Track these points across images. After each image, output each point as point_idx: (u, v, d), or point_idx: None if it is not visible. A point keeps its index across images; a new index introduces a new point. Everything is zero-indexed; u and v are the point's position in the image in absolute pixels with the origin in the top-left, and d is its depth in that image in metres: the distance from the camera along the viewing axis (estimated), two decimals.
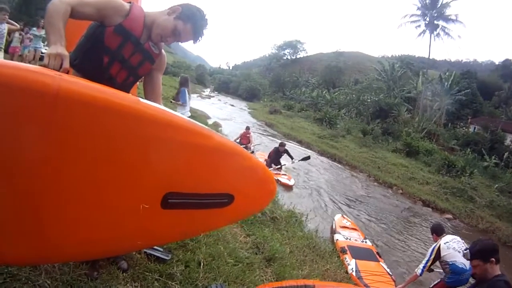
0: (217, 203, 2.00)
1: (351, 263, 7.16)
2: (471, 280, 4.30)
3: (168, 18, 2.17)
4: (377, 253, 8.28)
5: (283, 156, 13.81)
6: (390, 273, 7.31)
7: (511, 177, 21.80)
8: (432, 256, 5.63)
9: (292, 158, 13.63)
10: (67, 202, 1.62)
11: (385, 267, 7.57)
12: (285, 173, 13.49)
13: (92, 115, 1.47)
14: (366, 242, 8.77)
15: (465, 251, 3.17)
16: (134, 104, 1.58)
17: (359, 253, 7.71)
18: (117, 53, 2.10)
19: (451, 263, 5.43)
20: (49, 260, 2.08)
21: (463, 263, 5.32)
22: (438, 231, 5.99)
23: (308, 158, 13.99)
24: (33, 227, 1.57)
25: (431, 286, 5.91)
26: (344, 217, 9.96)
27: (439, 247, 5.60)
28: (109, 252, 2.16)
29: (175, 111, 2.94)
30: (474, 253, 2.99)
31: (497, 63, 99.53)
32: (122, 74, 2.18)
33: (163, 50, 2.35)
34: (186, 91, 8.55)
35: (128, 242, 1.94)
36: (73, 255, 1.89)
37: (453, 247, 5.51)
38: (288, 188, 12.47)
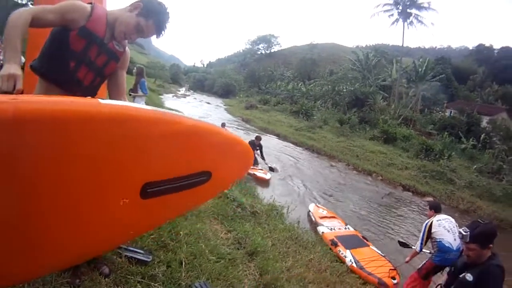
0: (195, 182, 2.02)
1: (347, 255, 7.19)
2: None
3: (130, 15, 2.16)
4: (363, 237, 8.42)
5: (257, 151, 13.55)
6: (383, 255, 7.47)
7: (489, 157, 22.05)
8: (426, 232, 5.68)
9: (264, 159, 13.69)
10: (52, 217, 1.62)
11: (376, 249, 7.75)
12: (261, 168, 13.32)
13: (56, 129, 1.43)
14: (348, 228, 8.76)
15: (464, 233, 2.84)
16: (95, 108, 1.53)
17: (349, 242, 7.74)
18: (83, 56, 2.08)
19: (438, 240, 5.46)
20: (45, 271, 2.10)
21: (450, 242, 5.36)
22: (436, 208, 6.01)
23: (276, 170, 14.05)
24: (23, 246, 1.59)
25: (420, 266, 5.84)
26: (318, 206, 9.88)
27: (431, 224, 5.66)
28: (105, 249, 2.34)
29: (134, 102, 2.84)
30: (473, 236, 2.82)
31: (471, 48, 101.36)
32: (89, 77, 2.16)
33: (127, 48, 2.34)
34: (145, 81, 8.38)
35: (119, 235, 2.04)
36: (67, 261, 1.95)
37: (444, 226, 5.55)
38: (264, 182, 12.36)
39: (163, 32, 2.26)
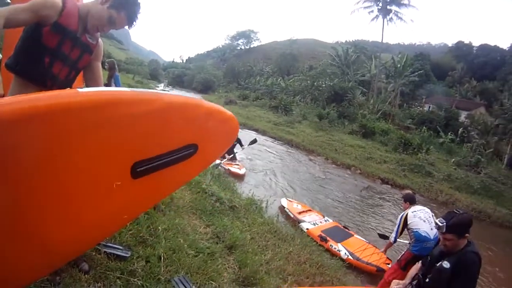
0: (183, 156, 2.01)
1: (340, 248, 7.37)
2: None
3: (102, 8, 2.13)
4: (344, 227, 8.67)
5: (236, 146, 13.08)
6: (368, 242, 7.80)
7: (467, 151, 22.40)
8: (401, 224, 5.77)
9: (242, 145, 12.99)
10: (50, 211, 1.64)
11: (361, 238, 8.09)
12: (237, 163, 13.16)
13: (42, 125, 1.43)
14: (328, 220, 8.79)
15: (441, 224, 2.88)
16: (75, 97, 1.54)
17: (336, 235, 7.87)
18: (57, 51, 2.08)
19: (415, 230, 5.52)
20: (54, 266, 2.10)
21: (426, 231, 5.42)
22: (410, 200, 6.05)
23: (255, 141, 13.53)
24: (17, 244, 1.61)
25: (399, 258, 5.86)
26: (291, 201, 9.63)
27: (406, 215, 5.73)
28: (105, 234, 2.35)
29: None
30: (449, 226, 2.85)
31: (450, 45, 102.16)
32: (64, 71, 2.17)
33: (100, 39, 2.34)
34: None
35: (114, 221, 2.03)
36: (69, 254, 1.96)
37: (419, 216, 5.62)
38: (239, 177, 12.28)
39: (134, 23, 2.26)
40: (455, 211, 2.96)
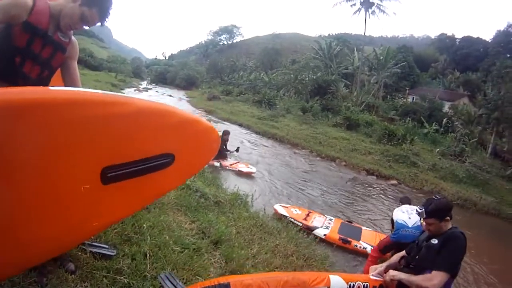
0: (158, 165, 1.99)
1: (364, 245, 7.43)
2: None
3: (74, 5, 2.14)
4: (348, 221, 8.68)
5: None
6: (379, 231, 8.08)
7: (451, 141, 22.60)
8: (391, 222, 6.30)
9: (228, 151, 13.13)
10: (10, 211, 1.59)
11: (369, 228, 8.31)
12: (239, 161, 12.88)
13: (7, 118, 1.43)
14: (332, 219, 8.63)
15: (420, 210, 3.08)
16: (45, 94, 1.55)
17: (350, 232, 7.81)
18: (28, 51, 2.08)
19: (395, 220, 5.99)
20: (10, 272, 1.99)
21: (404, 220, 5.88)
22: (403, 201, 6.73)
23: (237, 150, 13.58)
24: None
25: (379, 242, 6.43)
26: (286, 206, 8.97)
27: (393, 213, 6.28)
28: (73, 243, 2.23)
29: None
30: (429, 212, 3.01)
31: (433, 37, 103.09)
32: (35, 70, 2.16)
33: (73, 37, 2.34)
34: None
35: (84, 227, 1.94)
36: (33, 258, 1.88)
37: (401, 209, 6.15)
38: (250, 175, 12.10)
39: (107, 20, 2.25)
40: (434, 197, 3.13)
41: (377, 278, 3.20)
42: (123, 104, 1.79)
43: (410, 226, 5.78)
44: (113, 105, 1.74)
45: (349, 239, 7.51)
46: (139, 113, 1.85)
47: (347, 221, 8.55)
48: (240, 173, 11.84)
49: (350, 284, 2.98)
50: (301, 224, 8.05)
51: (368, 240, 7.52)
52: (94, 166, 1.74)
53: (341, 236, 7.61)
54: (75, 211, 1.80)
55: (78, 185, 1.71)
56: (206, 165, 11.03)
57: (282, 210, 8.60)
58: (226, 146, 12.92)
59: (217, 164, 11.78)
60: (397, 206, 6.54)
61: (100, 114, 1.68)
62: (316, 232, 7.77)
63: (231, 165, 12.15)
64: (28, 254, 1.77)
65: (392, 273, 3.03)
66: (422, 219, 3.18)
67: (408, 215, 5.94)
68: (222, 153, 12.41)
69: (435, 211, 2.98)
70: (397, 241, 5.85)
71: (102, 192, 1.80)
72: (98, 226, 2.12)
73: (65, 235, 1.87)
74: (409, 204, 6.51)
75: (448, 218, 2.98)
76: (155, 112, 1.96)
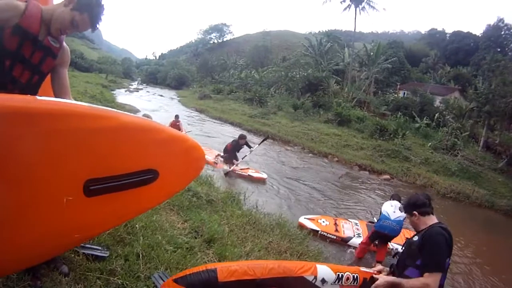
0: (141, 180, 1.99)
1: (392, 245, 7.48)
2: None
3: (65, 10, 2.12)
4: (370, 221, 8.48)
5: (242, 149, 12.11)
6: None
7: (442, 135, 22.52)
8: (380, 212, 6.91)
9: (250, 147, 12.01)
10: None
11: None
12: (249, 167, 12.24)
13: None
14: (357, 223, 8.45)
15: (401, 206, 3.44)
16: (31, 103, 1.55)
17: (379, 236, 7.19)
18: (17, 54, 2.05)
19: (381, 211, 6.75)
20: None
21: (388, 212, 6.62)
22: (393, 197, 7.26)
23: (267, 137, 13.11)
24: None
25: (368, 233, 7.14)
26: (311, 219, 8.45)
27: (383, 205, 6.96)
28: (51, 253, 2.21)
29: None
30: (405, 207, 3.08)
31: (423, 32, 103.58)
32: (25, 75, 2.13)
33: (64, 43, 2.31)
34: None
35: (65, 238, 1.96)
36: (12, 265, 1.92)
37: (391, 204, 6.81)
38: (262, 181, 11.53)
39: (97, 25, 2.23)
40: (416, 194, 3.15)
41: (367, 270, 3.15)
42: (108, 118, 1.79)
43: (391, 219, 6.52)
44: (98, 119, 1.74)
45: (379, 241, 7.11)
46: (124, 128, 1.86)
47: (369, 222, 8.36)
48: (250, 178, 11.34)
49: (338, 274, 2.93)
50: (335, 237, 7.83)
51: (395, 240, 7.18)
52: (77, 178, 1.75)
53: (376, 243, 7.29)
54: (57, 222, 1.82)
55: (60, 196, 1.71)
56: (216, 168, 10.88)
57: (310, 224, 8.06)
58: (247, 147, 11.93)
59: (226, 167, 11.30)
60: (389, 200, 7.09)
61: (85, 127, 1.69)
62: (351, 242, 7.64)
63: (241, 170, 11.57)
64: (5, 262, 1.79)
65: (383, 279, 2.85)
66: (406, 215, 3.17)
67: (393, 209, 6.60)
68: (232, 156, 11.80)
69: (406, 206, 3.04)
70: (378, 230, 6.64)
71: (84, 204, 1.81)
72: (79, 237, 2.15)
73: (46, 245, 1.89)
74: (399, 201, 6.95)
75: (415, 213, 2.92)
76: (140, 127, 1.97)
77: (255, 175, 11.55)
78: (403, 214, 6.09)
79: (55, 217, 1.79)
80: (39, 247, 1.86)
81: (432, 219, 2.91)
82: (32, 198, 1.67)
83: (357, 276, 3.02)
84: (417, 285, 2.65)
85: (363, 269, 3.17)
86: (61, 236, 1.92)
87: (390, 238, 6.75)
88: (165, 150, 2.09)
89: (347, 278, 2.95)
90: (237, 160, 11.62)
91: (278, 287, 2.64)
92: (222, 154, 12.12)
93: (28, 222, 1.71)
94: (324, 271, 2.88)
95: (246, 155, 11.82)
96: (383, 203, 7.17)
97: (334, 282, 2.88)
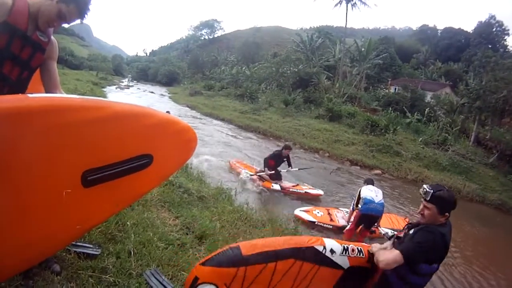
0: (137, 166, 2.03)
1: (386, 230, 7.73)
2: None
3: (51, 3, 2.10)
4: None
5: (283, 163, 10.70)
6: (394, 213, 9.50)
7: (433, 130, 22.65)
8: (357, 196, 7.41)
9: (290, 165, 10.62)
10: None
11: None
12: (298, 183, 11.12)
13: None
14: (347, 211, 8.36)
15: (428, 190, 2.78)
16: (24, 102, 1.57)
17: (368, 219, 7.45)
18: (7, 51, 2.03)
19: (363, 197, 7.15)
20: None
21: (372, 196, 7.11)
22: (367, 181, 7.78)
23: (308, 168, 12.51)
24: None
25: (352, 219, 7.50)
26: (306, 211, 8.56)
27: (360, 190, 7.41)
28: (55, 248, 2.24)
29: None
30: (434, 197, 2.70)
31: (414, 28, 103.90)
32: (15, 71, 2.11)
33: (52, 37, 2.28)
34: None
35: (67, 231, 2.01)
36: (19, 264, 1.96)
37: (369, 188, 7.34)
38: (317, 197, 10.53)
39: (86, 16, 2.21)
40: (445, 187, 2.81)
41: (365, 244, 3.20)
42: (101, 108, 1.82)
43: (376, 202, 7.04)
44: (91, 110, 1.76)
45: (373, 228, 7.58)
46: (117, 116, 1.89)
47: (345, 211, 8.61)
48: (307, 196, 10.27)
49: (344, 246, 2.98)
50: (331, 227, 8.31)
51: (385, 224, 8.01)
52: (74, 170, 1.78)
53: (377, 230, 7.76)
54: (58, 215, 1.84)
55: (60, 190, 1.73)
56: (263, 190, 10.13)
57: (307, 216, 8.37)
58: (287, 162, 10.56)
59: (276, 186, 10.27)
60: (364, 185, 7.55)
61: (78, 119, 1.70)
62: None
63: (293, 186, 10.45)
64: (11, 260, 1.81)
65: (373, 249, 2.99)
66: (423, 199, 2.82)
67: (375, 194, 7.16)
68: (277, 172, 10.53)
69: (440, 198, 2.67)
70: (365, 213, 7.07)
71: (84, 195, 1.85)
72: (81, 229, 2.17)
73: (49, 240, 1.92)
74: (373, 184, 7.57)
75: (447, 214, 2.71)
76: (132, 114, 1.99)
77: (312, 192, 10.47)
78: (381, 196, 7.20)
79: (56, 211, 1.82)
80: (43, 243, 1.90)
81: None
82: (32, 197, 1.70)
83: (361, 249, 3.06)
84: (379, 253, 2.78)
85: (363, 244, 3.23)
86: (63, 230, 1.96)
87: (375, 220, 7.22)
88: (158, 134, 2.14)
89: (353, 250, 3.00)
90: (278, 175, 10.52)
91: (294, 257, 2.68)
92: (260, 169, 10.86)
93: (30, 220, 1.73)
94: (331, 242, 2.94)
95: (283, 171, 10.65)
96: (358, 189, 7.54)
97: (342, 253, 2.93)
